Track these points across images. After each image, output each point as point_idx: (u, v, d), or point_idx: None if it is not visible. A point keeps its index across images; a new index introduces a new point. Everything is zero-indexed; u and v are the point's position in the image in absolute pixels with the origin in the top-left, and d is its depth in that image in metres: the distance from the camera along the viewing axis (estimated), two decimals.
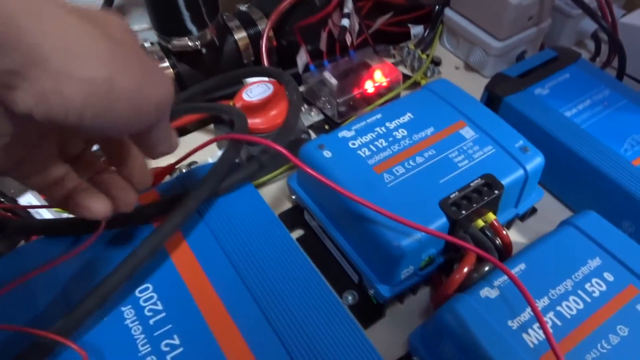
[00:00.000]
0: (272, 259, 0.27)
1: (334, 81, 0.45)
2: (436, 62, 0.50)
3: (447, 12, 0.50)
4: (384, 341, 0.31)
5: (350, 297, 0.34)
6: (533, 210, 0.38)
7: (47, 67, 0.16)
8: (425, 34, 0.52)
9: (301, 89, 0.46)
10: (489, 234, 0.32)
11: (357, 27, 0.47)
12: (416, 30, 0.53)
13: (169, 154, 0.24)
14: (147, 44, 0.46)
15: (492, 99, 0.41)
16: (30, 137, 0.21)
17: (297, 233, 0.38)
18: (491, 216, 0.32)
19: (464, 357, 0.27)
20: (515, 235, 0.37)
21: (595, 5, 0.44)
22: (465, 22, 0.49)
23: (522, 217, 0.38)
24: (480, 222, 0.32)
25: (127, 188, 0.24)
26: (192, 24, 0.42)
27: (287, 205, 0.40)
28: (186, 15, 0.41)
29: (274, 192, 0.40)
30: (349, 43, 0.47)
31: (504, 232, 0.32)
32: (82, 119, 0.18)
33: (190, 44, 0.43)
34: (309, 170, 0.29)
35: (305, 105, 0.46)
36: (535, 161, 0.33)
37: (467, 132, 0.35)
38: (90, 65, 0.17)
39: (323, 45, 0.46)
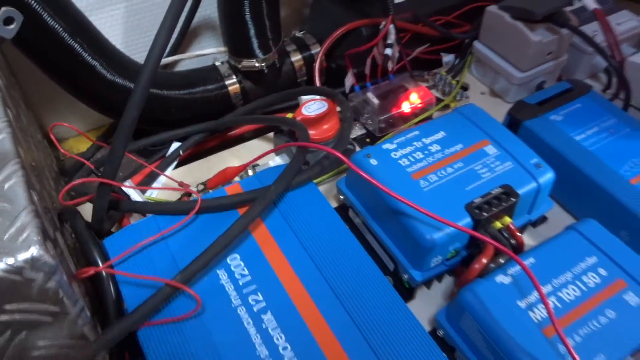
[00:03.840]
0: (330, 237, 0.35)
1: (375, 101, 0.52)
2: (464, 88, 0.57)
3: (476, 44, 0.57)
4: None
5: None
6: (544, 219, 0.45)
7: None
8: (456, 62, 0.59)
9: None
10: (505, 234, 0.39)
11: (397, 54, 0.54)
12: (448, 58, 0.60)
13: None
14: (217, 63, 0.54)
15: (513, 122, 0.47)
16: None
17: None
18: (507, 220, 0.39)
19: (480, 329, 0.33)
20: (528, 239, 0.44)
21: (606, 45, 0.50)
22: (491, 54, 0.56)
23: (535, 224, 0.44)
24: (498, 224, 0.39)
25: None
26: (259, 49, 0.50)
27: (334, 204, 0.47)
28: (255, 42, 0.49)
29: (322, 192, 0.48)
30: (389, 68, 0.54)
31: (518, 233, 0.39)
32: None
33: (256, 64, 0.51)
34: (362, 173, 0.36)
35: None
36: (547, 176, 0.40)
37: (490, 150, 0.42)
38: None
39: (367, 70, 0.54)
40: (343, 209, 0.45)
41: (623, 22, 0.57)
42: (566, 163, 0.43)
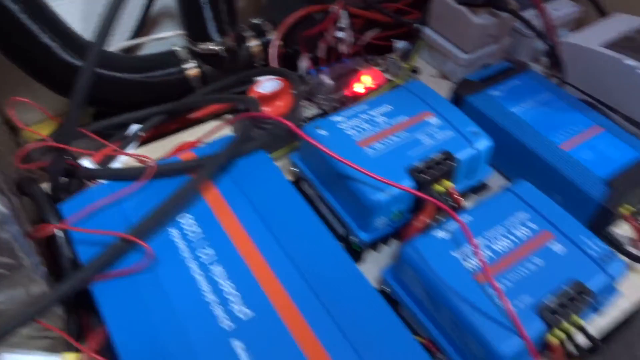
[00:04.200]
0: (281, 201, 0.37)
1: (330, 82, 0.54)
2: (415, 71, 0.60)
3: (426, 29, 0.60)
4: None
5: None
6: (485, 186, 0.48)
7: None
8: (407, 48, 0.62)
9: (303, 88, 0.56)
10: (445, 197, 0.42)
11: (350, 39, 0.57)
12: (399, 44, 0.63)
13: None
14: (176, 48, 0.56)
15: (457, 98, 0.50)
16: None
17: None
18: (448, 183, 0.42)
19: (419, 279, 0.36)
20: (470, 205, 0.46)
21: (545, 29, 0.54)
22: (439, 38, 0.59)
23: (477, 191, 0.47)
24: (439, 187, 0.41)
25: None
26: (216, 33, 0.52)
27: (289, 179, 0.49)
28: (212, 25, 0.51)
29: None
30: (343, 52, 0.56)
31: (457, 195, 0.42)
32: None
33: (214, 47, 0.53)
34: (311, 140, 0.38)
35: (306, 101, 0.56)
36: (483, 143, 0.43)
37: (433, 120, 0.44)
38: None
39: (321, 53, 0.56)
40: (297, 183, 0.47)
41: (560, 8, 0.61)
42: (503, 133, 0.46)
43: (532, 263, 0.36)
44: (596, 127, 0.46)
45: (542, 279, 0.35)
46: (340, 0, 0.54)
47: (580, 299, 0.34)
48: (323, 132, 0.43)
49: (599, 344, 0.37)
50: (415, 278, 0.36)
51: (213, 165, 0.35)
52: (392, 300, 0.39)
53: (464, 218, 0.38)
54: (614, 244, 0.42)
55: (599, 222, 0.42)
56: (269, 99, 0.48)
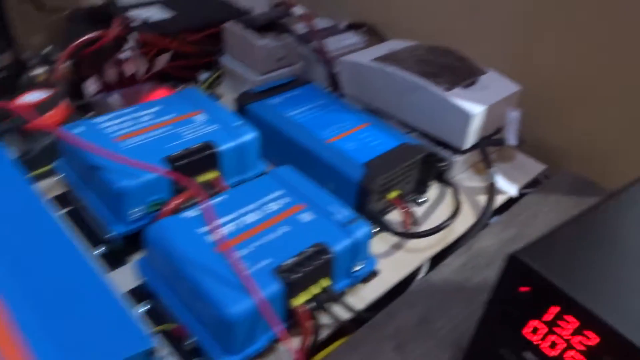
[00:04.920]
0: (16, 201, 0.34)
1: (118, 102, 0.54)
2: (218, 97, 0.62)
3: (222, 58, 0.63)
4: (126, 280, 0.37)
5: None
6: None
7: None
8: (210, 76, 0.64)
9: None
10: (212, 189, 0.41)
11: (141, 64, 0.57)
12: (204, 75, 0.65)
13: None
14: None
15: (239, 108, 0.52)
16: None
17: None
18: (213, 173, 0.41)
19: (162, 258, 0.34)
20: None
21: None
22: (235, 64, 0.61)
23: None
24: (205, 177, 0.41)
25: None
26: None
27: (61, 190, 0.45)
28: None
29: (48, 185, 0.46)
30: (136, 77, 0.57)
31: (221, 183, 0.41)
32: None
33: None
34: (58, 132, 0.37)
35: None
36: (249, 135, 0.44)
37: (200, 117, 0.45)
38: None
39: (110, 77, 0.56)
40: (66, 195, 0.44)
41: (347, 39, 0.67)
42: (279, 134, 0.48)
43: (278, 230, 0.36)
44: (363, 124, 0.50)
45: (286, 244, 0.35)
46: (117, 24, 0.55)
47: (320, 258, 0.34)
48: (80, 130, 0.41)
49: (355, 310, 0.37)
50: (159, 258, 0.35)
51: None
52: (147, 293, 0.36)
53: (219, 198, 0.38)
54: (384, 225, 0.44)
55: (362, 200, 0.43)
56: (35, 107, 0.46)
